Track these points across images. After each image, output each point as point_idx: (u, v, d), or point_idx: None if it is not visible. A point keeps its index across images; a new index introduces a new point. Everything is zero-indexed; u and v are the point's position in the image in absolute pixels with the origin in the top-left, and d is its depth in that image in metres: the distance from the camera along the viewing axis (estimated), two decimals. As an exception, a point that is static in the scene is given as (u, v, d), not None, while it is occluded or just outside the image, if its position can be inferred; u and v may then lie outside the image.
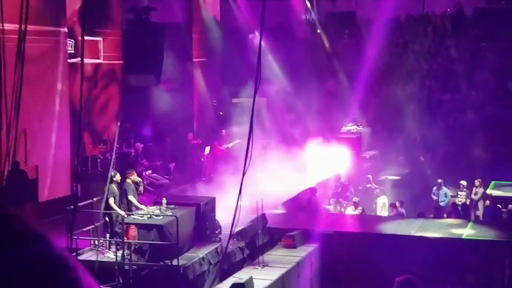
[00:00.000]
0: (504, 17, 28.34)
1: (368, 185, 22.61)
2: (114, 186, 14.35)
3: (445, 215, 20.11)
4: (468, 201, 21.29)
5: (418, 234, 16.72)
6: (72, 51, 18.54)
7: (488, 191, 21.06)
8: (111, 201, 14.13)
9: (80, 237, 14.05)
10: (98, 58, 20.79)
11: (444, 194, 21.73)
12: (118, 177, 14.52)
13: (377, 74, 28.60)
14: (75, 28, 18.81)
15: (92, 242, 14.79)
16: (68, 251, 1.88)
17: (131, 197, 14.49)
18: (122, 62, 19.35)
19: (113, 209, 14.14)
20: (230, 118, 25.42)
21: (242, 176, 9.83)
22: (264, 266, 15.51)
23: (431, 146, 26.81)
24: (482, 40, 28.92)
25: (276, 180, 20.35)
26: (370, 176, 23.50)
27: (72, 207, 11.82)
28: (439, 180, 21.94)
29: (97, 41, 19.94)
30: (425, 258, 15.89)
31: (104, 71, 21.46)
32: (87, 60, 18.24)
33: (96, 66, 21.09)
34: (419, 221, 18.05)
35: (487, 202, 20.68)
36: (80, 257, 14.07)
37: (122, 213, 14.13)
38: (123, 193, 14.54)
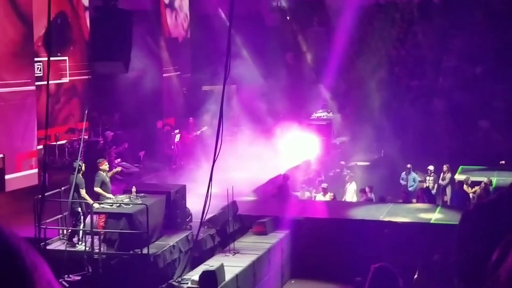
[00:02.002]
0: (471, 4, 28.55)
1: (344, 173, 22.65)
2: (81, 176, 14.19)
3: (414, 200, 20.28)
4: (435, 186, 21.50)
5: (387, 219, 16.85)
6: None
7: (456, 176, 21.27)
8: (83, 192, 14.00)
9: (48, 227, 13.90)
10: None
11: (412, 179, 21.93)
12: (83, 168, 14.39)
13: (346, 61, 28.69)
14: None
15: (60, 231, 14.65)
16: (23, 240, 1.75)
17: (97, 189, 14.38)
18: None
19: (85, 199, 14.00)
20: (200, 105, 25.34)
21: (212, 164, 9.79)
22: (235, 253, 15.52)
23: (400, 132, 26.99)
24: (449, 27, 29.11)
25: (247, 167, 20.35)
26: (343, 162, 23.61)
27: (40, 196, 11.68)
28: (408, 165, 22.13)
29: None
30: (394, 242, 16.01)
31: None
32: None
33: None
34: (388, 206, 18.18)
35: (455, 186, 20.88)
36: (48, 247, 13.95)
37: (91, 202, 14.02)
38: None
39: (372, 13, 29.87)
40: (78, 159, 14.83)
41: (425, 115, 27.85)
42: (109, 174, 15.07)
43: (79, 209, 14.21)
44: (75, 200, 14.02)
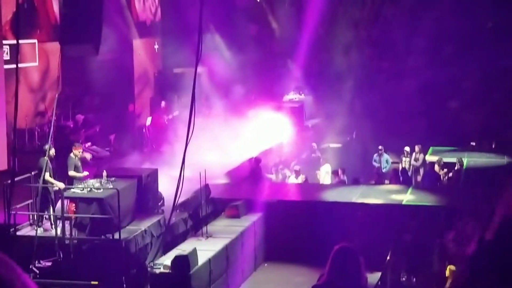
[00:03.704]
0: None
1: (313, 155, 22.68)
2: (47, 159, 13.94)
3: (387, 181, 20.36)
4: (412, 167, 21.55)
5: (360, 201, 16.90)
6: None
7: (427, 157, 21.39)
8: (47, 175, 13.77)
9: (18, 212, 13.73)
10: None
11: (385, 161, 22.00)
12: (52, 152, 14.19)
13: (318, 42, 28.66)
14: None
15: (30, 217, 14.48)
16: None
17: (72, 172, 14.23)
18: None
19: (49, 183, 13.79)
20: (172, 88, 25.18)
21: (185, 147, 9.70)
22: (207, 237, 15.48)
23: (371, 113, 27.06)
24: (419, 8, 29.19)
25: (219, 150, 20.27)
26: (314, 144, 23.60)
27: (10, 181, 11.50)
28: (380, 147, 22.20)
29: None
30: (367, 224, 16.08)
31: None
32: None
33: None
34: (361, 187, 18.24)
35: (426, 167, 21.00)
36: (18, 233, 13.78)
37: (62, 186, 13.85)
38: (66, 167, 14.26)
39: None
40: (48, 143, 14.65)
41: (396, 96, 27.94)
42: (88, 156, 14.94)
43: (51, 194, 14.03)
44: (46, 185, 13.82)
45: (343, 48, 28.60)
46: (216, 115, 24.34)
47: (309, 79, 28.49)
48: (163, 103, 24.70)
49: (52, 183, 13.86)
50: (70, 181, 14.40)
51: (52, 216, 14.12)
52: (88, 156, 16.77)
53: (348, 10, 29.30)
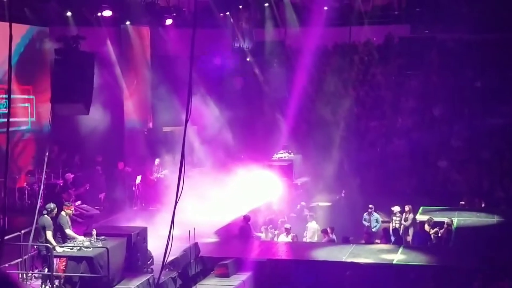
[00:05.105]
0: (427, 46, 29.16)
1: (305, 213, 22.64)
2: (49, 218, 13.98)
3: (377, 241, 20.32)
4: (402, 227, 21.52)
5: (350, 260, 16.86)
6: None
7: (418, 217, 21.41)
8: (49, 234, 13.77)
9: (8, 271, 13.61)
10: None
11: (375, 220, 22.00)
12: (55, 211, 14.22)
13: (306, 101, 28.97)
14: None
15: (20, 275, 14.36)
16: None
17: (68, 231, 14.21)
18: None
19: (49, 242, 13.76)
20: (161, 147, 25.27)
21: (174, 205, 9.73)
22: (197, 296, 15.37)
23: (360, 172, 27.19)
24: (406, 68, 29.64)
25: (209, 208, 20.26)
26: (303, 203, 23.63)
27: (-1, 240, 11.45)
28: (370, 206, 22.21)
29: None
30: (357, 284, 16.01)
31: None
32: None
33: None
34: (351, 247, 18.20)
35: (416, 227, 20.99)
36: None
37: (54, 243, 13.80)
38: (58, 227, 14.21)
39: (331, 54, 30.33)
40: (38, 201, 14.64)
41: (385, 155, 28.15)
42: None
43: (44, 252, 13.98)
44: (39, 244, 13.75)
45: (332, 107, 28.90)
46: (205, 173, 24.39)
47: (298, 138, 28.68)
48: (157, 161, 24.76)
49: (52, 244, 13.79)
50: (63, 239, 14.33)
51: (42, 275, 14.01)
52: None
53: (336, 70, 29.72)
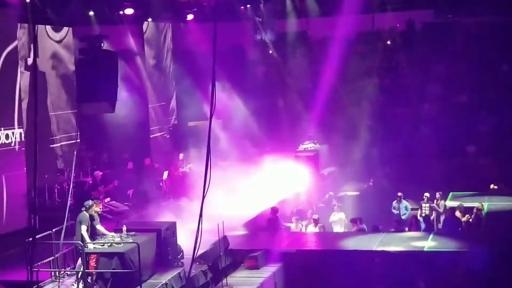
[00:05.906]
0: (451, 31, 28.87)
1: (333, 203, 22.52)
2: (87, 214, 14.11)
3: (406, 229, 20.22)
4: (433, 213, 21.36)
5: (380, 248, 16.81)
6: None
7: (447, 203, 21.26)
8: (83, 228, 13.89)
9: (40, 269, 13.79)
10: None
11: (405, 207, 21.79)
12: (94, 208, 14.34)
13: (331, 92, 28.84)
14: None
15: (53, 274, 14.53)
16: None
17: (100, 227, 14.31)
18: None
19: (83, 237, 13.88)
20: (187, 142, 25.37)
21: (202, 199, 9.78)
22: (228, 288, 15.46)
23: (388, 160, 27.05)
24: (431, 54, 29.38)
25: (237, 201, 20.30)
26: (332, 193, 23.55)
27: (31, 239, 11.60)
28: (399, 194, 22.00)
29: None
30: (387, 272, 15.98)
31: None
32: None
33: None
34: (381, 235, 18.13)
35: (446, 213, 20.84)
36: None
37: (87, 239, 13.92)
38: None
39: (354, 43, 30.13)
40: (68, 200, 14.78)
41: (412, 142, 27.96)
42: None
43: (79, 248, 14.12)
44: (70, 242, 13.85)
45: (356, 96, 28.75)
46: (232, 166, 24.43)
47: (324, 128, 28.58)
48: (181, 156, 24.86)
49: (85, 239, 13.91)
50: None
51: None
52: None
53: (360, 59, 29.53)
